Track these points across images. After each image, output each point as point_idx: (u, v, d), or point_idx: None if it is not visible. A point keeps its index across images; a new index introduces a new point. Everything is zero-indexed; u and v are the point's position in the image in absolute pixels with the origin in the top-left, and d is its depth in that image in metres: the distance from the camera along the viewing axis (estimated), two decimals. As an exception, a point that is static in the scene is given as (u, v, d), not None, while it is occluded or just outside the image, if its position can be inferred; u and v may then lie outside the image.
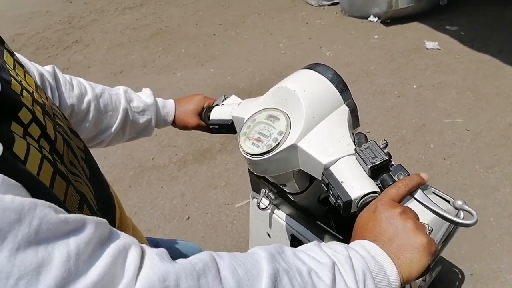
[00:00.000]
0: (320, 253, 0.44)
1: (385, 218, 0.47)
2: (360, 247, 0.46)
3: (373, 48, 3.16)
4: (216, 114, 0.86)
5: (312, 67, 0.65)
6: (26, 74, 0.50)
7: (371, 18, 3.56)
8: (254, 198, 1.10)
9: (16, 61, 0.50)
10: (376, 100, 2.55)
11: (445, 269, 1.52)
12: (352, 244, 0.47)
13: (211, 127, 0.87)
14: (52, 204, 0.30)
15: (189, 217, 1.93)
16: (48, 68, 0.72)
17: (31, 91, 0.46)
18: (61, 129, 0.48)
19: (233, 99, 0.89)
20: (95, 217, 0.33)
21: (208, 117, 0.87)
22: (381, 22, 3.49)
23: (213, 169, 2.18)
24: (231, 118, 0.79)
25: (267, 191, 0.99)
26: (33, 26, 4.65)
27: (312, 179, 0.78)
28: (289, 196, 0.86)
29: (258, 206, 1.01)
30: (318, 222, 0.90)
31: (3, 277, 0.25)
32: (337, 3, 3.92)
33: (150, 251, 0.34)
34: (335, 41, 3.34)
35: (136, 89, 2.93)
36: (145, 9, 4.63)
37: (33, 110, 0.41)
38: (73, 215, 0.31)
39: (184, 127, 0.94)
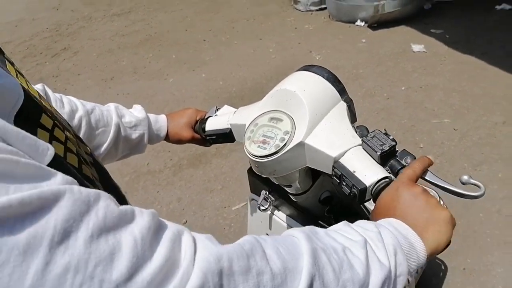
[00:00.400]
0: (351, 232, 0.46)
1: (409, 196, 0.50)
2: (388, 224, 0.48)
3: (361, 51, 3.23)
4: (212, 124, 0.87)
5: (307, 68, 0.69)
6: (27, 83, 0.51)
7: (358, 22, 3.63)
8: (253, 199, 1.12)
9: (17, 70, 0.51)
10: (366, 102, 2.60)
11: (438, 264, 1.57)
12: (379, 221, 0.49)
13: (207, 138, 0.88)
14: (110, 195, 0.33)
15: (186, 221, 1.94)
16: (38, 86, 0.72)
17: (38, 98, 0.47)
18: (71, 135, 0.50)
19: (226, 109, 0.91)
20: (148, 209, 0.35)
21: (203, 129, 0.88)
22: (368, 27, 3.56)
23: (209, 173, 2.20)
24: (229, 126, 0.81)
25: (267, 193, 1.02)
26: (19, 34, 4.60)
27: (314, 179, 0.81)
28: (291, 197, 0.88)
29: (259, 208, 1.04)
30: (320, 222, 0.92)
31: (82, 264, 0.27)
32: (325, 8, 3.99)
33: (200, 236, 0.36)
34: (324, 46, 3.40)
35: (128, 94, 2.91)
36: (133, 15, 4.63)
37: (49, 116, 0.43)
38: (130, 206, 0.34)
39: (178, 141, 0.95)
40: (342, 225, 0.48)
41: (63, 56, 3.90)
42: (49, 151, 0.34)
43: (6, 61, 0.48)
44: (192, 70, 3.34)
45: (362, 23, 3.61)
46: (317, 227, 0.46)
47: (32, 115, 0.39)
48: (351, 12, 3.66)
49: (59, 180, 0.30)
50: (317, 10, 4.05)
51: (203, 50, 3.64)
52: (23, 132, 0.32)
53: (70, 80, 3.45)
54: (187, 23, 4.23)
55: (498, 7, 3.57)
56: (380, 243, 0.44)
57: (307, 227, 0.45)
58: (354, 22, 3.66)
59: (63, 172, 0.32)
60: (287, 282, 0.36)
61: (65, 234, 0.27)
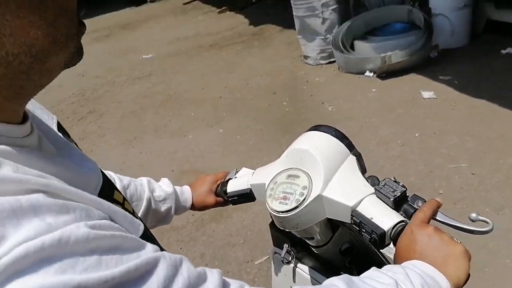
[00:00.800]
0: (381, 276, 0.50)
1: (423, 237, 0.54)
2: (412, 265, 0.52)
3: (372, 100, 3.33)
4: (233, 186, 0.93)
5: (316, 128, 0.76)
6: None
7: (367, 73, 3.77)
8: (276, 253, 1.16)
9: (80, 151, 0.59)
10: (381, 150, 2.65)
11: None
12: (403, 264, 0.54)
13: (230, 199, 0.94)
14: (187, 258, 0.40)
15: (209, 277, 1.95)
16: None
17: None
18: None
19: (244, 170, 0.97)
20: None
21: (225, 191, 0.94)
22: (377, 77, 3.69)
23: (230, 227, 2.23)
24: (249, 187, 0.87)
25: (289, 246, 1.05)
26: (47, 100, 4.91)
27: (334, 230, 0.85)
28: (313, 249, 0.92)
29: (282, 261, 1.07)
30: (341, 273, 0.95)
31: None
32: (334, 61, 4.17)
33: None
34: (335, 97, 3.52)
35: (150, 153, 3.02)
36: (154, 78, 4.93)
37: (118, 190, 0.51)
38: (202, 267, 0.41)
39: (204, 208, 1.01)
40: (372, 271, 0.53)
41: (89, 119, 4.14)
42: (141, 226, 0.42)
43: (74, 143, 0.56)
44: (210, 126, 3.48)
45: (371, 74, 3.75)
46: (350, 275, 0.51)
47: (108, 192, 0.47)
48: (359, 64, 3.82)
49: (151, 249, 0.38)
50: (327, 63, 4.23)
51: (219, 107, 3.81)
52: (124, 211, 0.40)
53: (95, 141, 3.63)
54: (204, 83, 4.47)
55: (503, 51, 3.66)
56: (409, 283, 0.48)
57: (343, 275, 0.50)
58: (363, 73, 3.79)
59: (147, 241, 0.39)
60: None
61: None
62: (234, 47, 5.41)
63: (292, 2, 4.15)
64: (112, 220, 0.38)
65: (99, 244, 0.33)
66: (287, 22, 5.08)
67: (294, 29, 4.44)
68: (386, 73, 3.65)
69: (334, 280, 0.48)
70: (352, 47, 4.05)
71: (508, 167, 2.26)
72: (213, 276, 0.40)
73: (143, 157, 3.17)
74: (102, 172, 0.50)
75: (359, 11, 4.22)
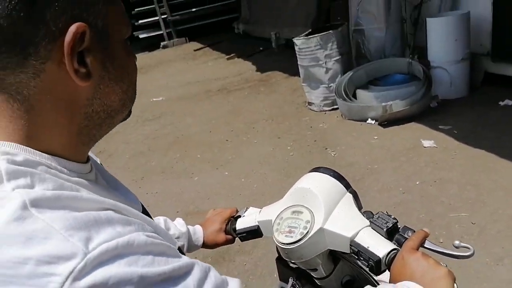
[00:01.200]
0: None
1: (412, 261, 0.63)
2: (402, 286, 0.61)
3: (374, 147, 3.42)
4: (241, 224, 1.02)
5: (316, 169, 0.87)
6: None
7: (369, 121, 3.90)
8: (282, 287, 1.20)
9: None
10: (383, 197, 2.70)
11: None
12: (397, 285, 0.63)
13: (239, 236, 1.02)
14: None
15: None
16: None
17: None
18: None
19: (251, 209, 1.07)
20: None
21: (234, 229, 1.03)
22: (378, 124, 3.82)
23: (232, 271, 2.24)
24: (257, 223, 0.96)
25: (294, 279, 1.11)
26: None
27: (335, 263, 0.91)
28: (316, 281, 0.98)
29: (289, 294, 1.11)
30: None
31: None
32: (337, 108, 4.32)
33: None
34: (338, 143, 3.63)
35: (157, 193, 3.08)
36: (163, 120, 5.10)
37: (151, 217, 0.61)
38: (224, 275, 0.51)
39: (215, 246, 1.08)
40: None
41: (99, 159, 4.24)
42: (177, 242, 0.54)
43: None
44: (216, 169, 3.57)
45: (373, 122, 3.88)
46: None
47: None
48: (361, 112, 3.96)
49: (186, 257, 0.49)
50: (330, 110, 4.37)
51: (226, 150, 3.92)
52: (164, 229, 0.53)
53: (103, 179, 3.71)
54: (211, 126, 4.62)
55: (501, 103, 3.78)
56: None
57: None
58: (365, 121, 3.92)
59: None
60: None
61: None
62: (241, 92, 5.63)
63: (297, 52, 4.40)
64: (158, 234, 0.50)
65: (153, 249, 0.45)
66: (292, 69, 5.32)
67: (299, 76, 4.65)
68: (388, 121, 3.78)
69: None
70: (354, 95, 4.23)
71: (508, 217, 2.30)
72: (233, 282, 0.51)
73: (149, 197, 3.23)
74: (141, 203, 0.61)
75: (361, 62, 4.44)
